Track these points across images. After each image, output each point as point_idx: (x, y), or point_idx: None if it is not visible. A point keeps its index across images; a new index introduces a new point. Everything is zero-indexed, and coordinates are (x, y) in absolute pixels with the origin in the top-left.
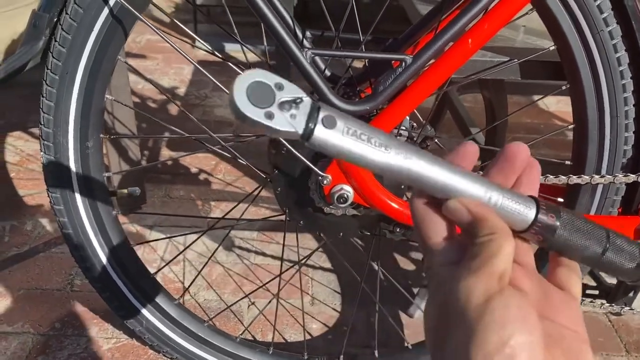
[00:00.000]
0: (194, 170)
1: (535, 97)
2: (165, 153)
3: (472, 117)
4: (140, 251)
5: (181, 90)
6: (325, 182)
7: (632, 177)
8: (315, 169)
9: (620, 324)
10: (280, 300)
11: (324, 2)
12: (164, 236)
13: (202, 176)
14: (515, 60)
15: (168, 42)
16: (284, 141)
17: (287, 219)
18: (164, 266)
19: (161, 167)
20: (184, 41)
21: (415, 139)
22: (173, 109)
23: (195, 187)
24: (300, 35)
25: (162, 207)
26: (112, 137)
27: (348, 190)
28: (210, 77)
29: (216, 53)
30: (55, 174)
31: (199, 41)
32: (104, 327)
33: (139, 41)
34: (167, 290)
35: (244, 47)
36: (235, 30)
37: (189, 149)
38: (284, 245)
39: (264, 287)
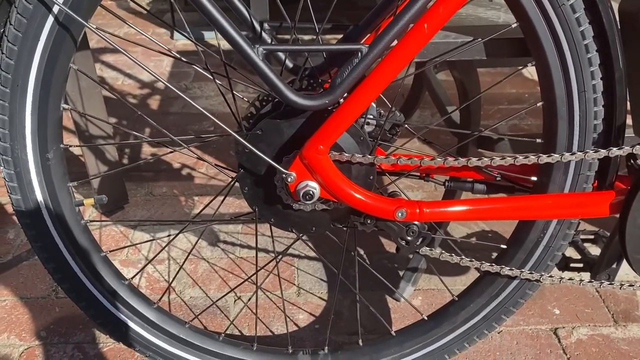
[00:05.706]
0: (176, 165)
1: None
2: (147, 150)
3: (450, 95)
4: (125, 252)
5: (161, 83)
6: (289, 179)
7: (602, 153)
8: (278, 166)
9: (607, 294)
10: (266, 293)
11: None
12: (147, 236)
13: (184, 171)
14: (480, 39)
15: (123, 52)
16: (244, 142)
17: (257, 217)
18: (142, 269)
19: (143, 165)
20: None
21: (383, 126)
22: (153, 104)
23: (178, 183)
24: (258, 28)
25: (145, 206)
26: (70, 146)
27: (314, 186)
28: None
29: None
30: (18, 189)
31: (177, 30)
32: (90, 333)
33: (117, 35)
34: (144, 294)
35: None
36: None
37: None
38: (256, 240)
39: (249, 280)
